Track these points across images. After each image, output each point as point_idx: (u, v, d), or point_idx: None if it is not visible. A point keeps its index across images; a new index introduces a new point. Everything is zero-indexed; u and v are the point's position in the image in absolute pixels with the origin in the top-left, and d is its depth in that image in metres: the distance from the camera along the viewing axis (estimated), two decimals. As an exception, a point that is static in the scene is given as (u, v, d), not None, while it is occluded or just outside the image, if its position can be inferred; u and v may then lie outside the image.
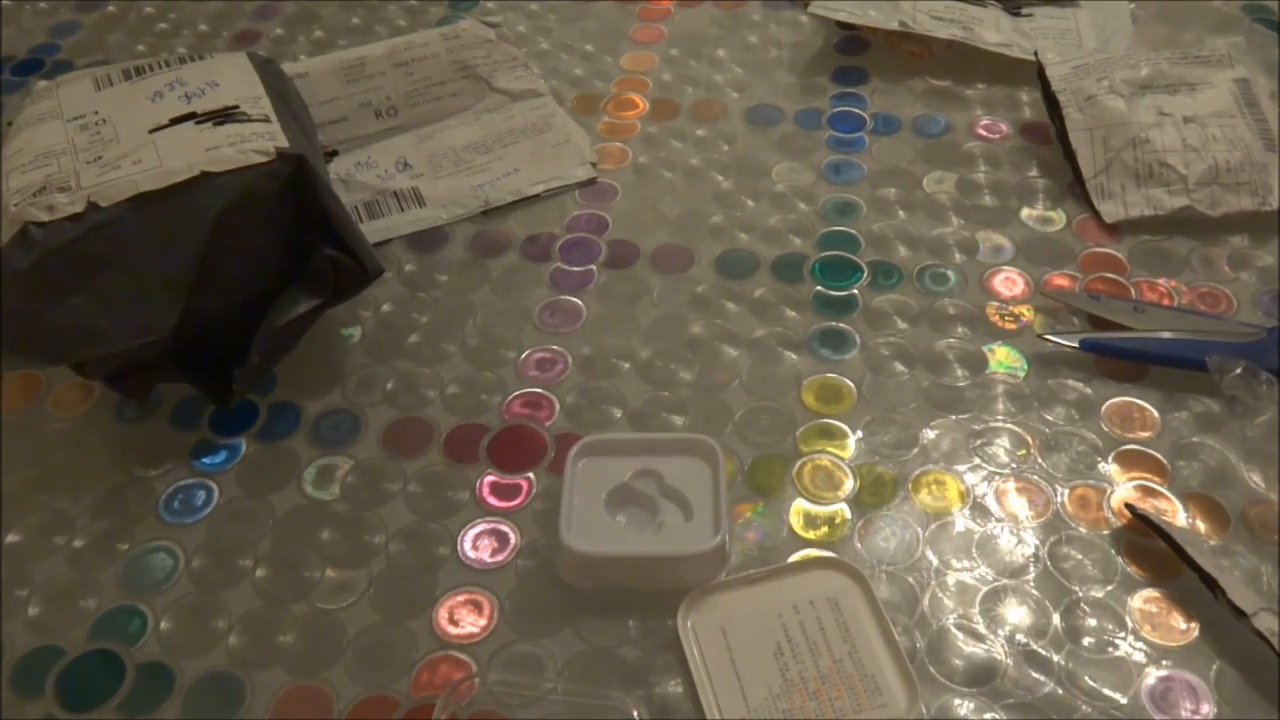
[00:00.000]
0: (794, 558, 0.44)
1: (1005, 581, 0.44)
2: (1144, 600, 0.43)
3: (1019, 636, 0.42)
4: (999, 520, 0.46)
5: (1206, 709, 0.40)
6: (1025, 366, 0.52)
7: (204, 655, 0.42)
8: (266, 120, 0.50)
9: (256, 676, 0.42)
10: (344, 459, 0.49)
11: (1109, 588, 0.43)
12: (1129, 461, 0.48)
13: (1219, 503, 0.46)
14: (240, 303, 0.49)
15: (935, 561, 0.44)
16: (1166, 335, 0.51)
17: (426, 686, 0.41)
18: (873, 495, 0.47)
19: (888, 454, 0.48)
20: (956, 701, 0.40)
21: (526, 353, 0.54)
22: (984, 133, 0.66)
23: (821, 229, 0.60)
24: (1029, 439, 0.49)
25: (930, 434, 0.49)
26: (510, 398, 0.52)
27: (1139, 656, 0.41)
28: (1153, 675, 0.41)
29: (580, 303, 0.56)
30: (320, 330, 0.52)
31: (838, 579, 0.43)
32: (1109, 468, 0.48)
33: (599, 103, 0.70)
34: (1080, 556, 0.44)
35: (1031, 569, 0.44)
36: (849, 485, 0.47)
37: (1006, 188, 0.62)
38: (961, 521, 0.46)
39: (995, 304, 0.55)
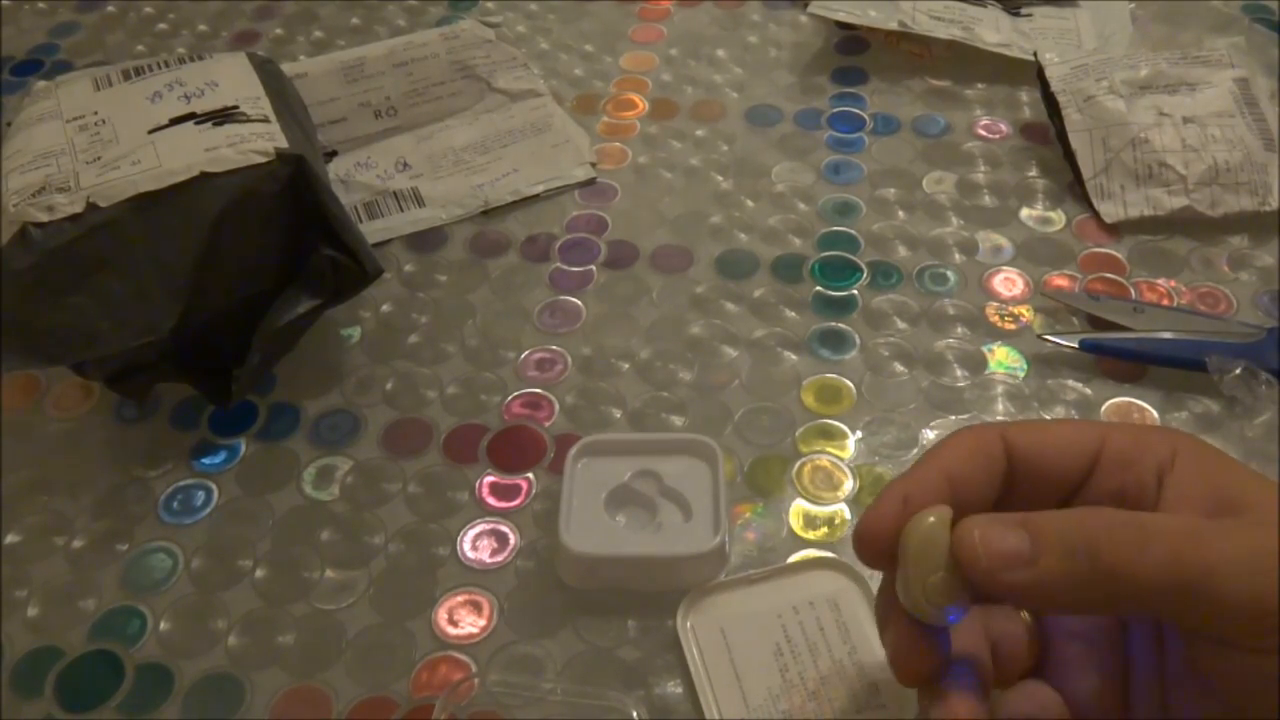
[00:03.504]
0: (793, 558, 0.44)
1: (1005, 582, 0.44)
2: (1143, 600, 0.43)
3: (1018, 637, 0.42)
4: (998, 520, 0.46)
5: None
6: (1025, 367, 0.52)
7: (203, 656, 0.42)
8: (266, 120, 0.50)
9: (256, 677, 0.42)
10: (344, 459, 0.49)
11: (1108, 588, 0.43)
12: (1128, 462, 0.48)
13: (1218, 503, 0.46)
14: (240, 303, 0.48)
15: (935, 562, 0.44)
16: (1166, 335, 0.51)
17: (426, 687, 0.41)
18: (873, 496, 0.47)
19: (887, 454, 0.48)
20: (956, 702, 0.40)
21: (526, 353, 0.54)
22: (983, 133, 0.66)
23: (821, 229, 0.60)
24: (1028, 439, 0.49)
25: (930, 434, 0.49)
26: (510, 398, 0.52)
27: (1138, 657, 0.41)
28: (1152, 675, 0.40)
29: (580, 303, 0.56)
30: (320, 330, 0.52)
31: (837, 580, 0.43)
32: (1108, 468, 0.48)
33: (598, 103, 0.70)
34: (1080, 557, 0.44)
35: (1031, 569, 0.44)
36: (849, 486, 0.47)
37: (1006, 188, 0.62)
38: (961, 522, 0.46)
39: (995, 304, 0.55)
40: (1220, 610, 0.28)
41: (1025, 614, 0.33)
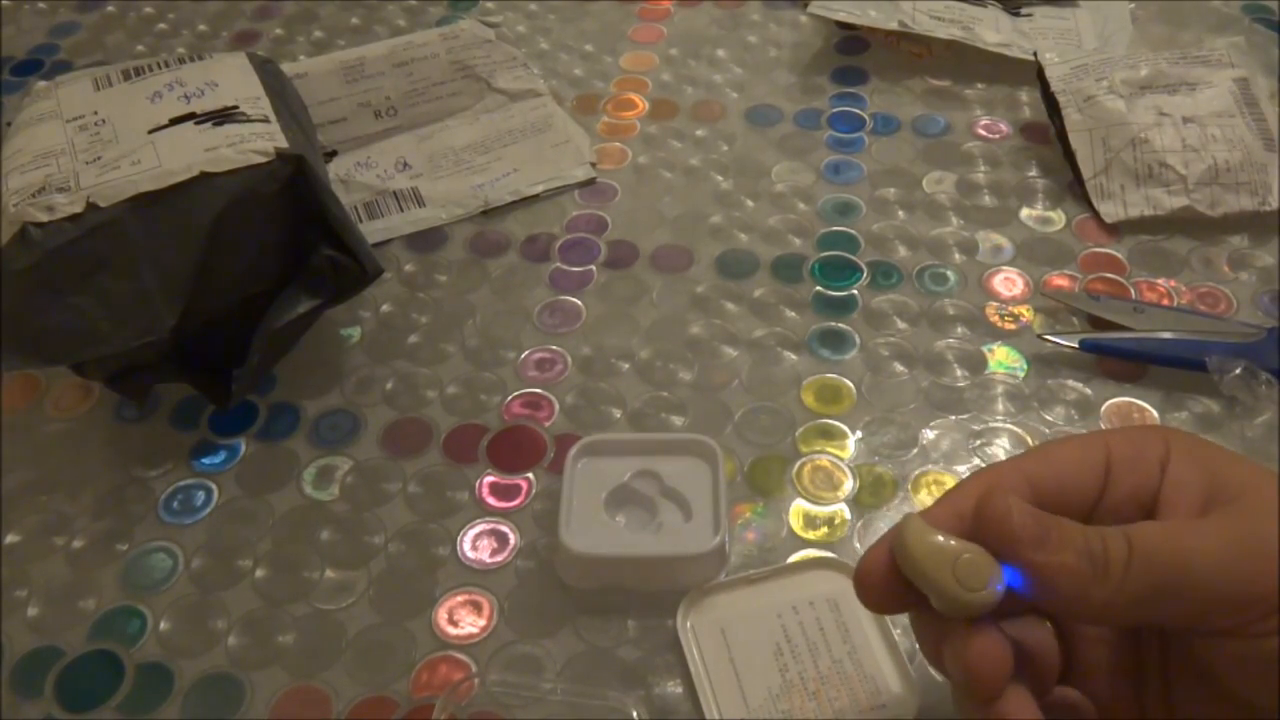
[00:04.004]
0: (793, 558, 0.44)
1: (1005, 582, 0.44)
2: (1143, 600, 0.43)
3: (1018, 637, 0.42)
4: (998, 520, 0.46)
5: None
6: (1025, 367, 0.52)
7: (203, 655, 0.42)
8: (266, 120, 0.50)
9: (256, 677, 0.42)
10: (343, 459, 0.49)
11: (1108, 588, 0.43)
12: (1128, 462, 0.48)
13: (1218, 503, 0.46)
14: (240, 303, 0.48)
15: (935, 562, 0.44)
16: (1166, 335, 0.51)
17: (426, 687, 0.41)
18: (872, 496, 0.47)
19: (887, 454, 0.48)
20: (956, 702, 0.40)
21: (526, 353, 0.54)
22: (983, 133, 0.66)
23: (821, 229, 0.60)
24: (1029, 439, 0.49)
25: (930, 434, 0.49)
26: (510, 398, 0.52)
27: (1138, 657, 0.41)
28: (1152, 675, 0.40)
29: (580, 303, 0.56)
30: (320, 330, 0.53)
31: (837, 579, 0.43)
32: (1108, 468, 0.48)
33: (599, 103, 0.70)
34: (1080, 557, 0.44)
35: (1031, 569, 0.44)
36: (848, 485, 0.47)
37: (1006, 188, 0.62)
38: (961, 522, 0.46)
39: (995, 304, 0.55)
40: (1202, 606, 0.28)
41: (1048, 622, 0.33)
